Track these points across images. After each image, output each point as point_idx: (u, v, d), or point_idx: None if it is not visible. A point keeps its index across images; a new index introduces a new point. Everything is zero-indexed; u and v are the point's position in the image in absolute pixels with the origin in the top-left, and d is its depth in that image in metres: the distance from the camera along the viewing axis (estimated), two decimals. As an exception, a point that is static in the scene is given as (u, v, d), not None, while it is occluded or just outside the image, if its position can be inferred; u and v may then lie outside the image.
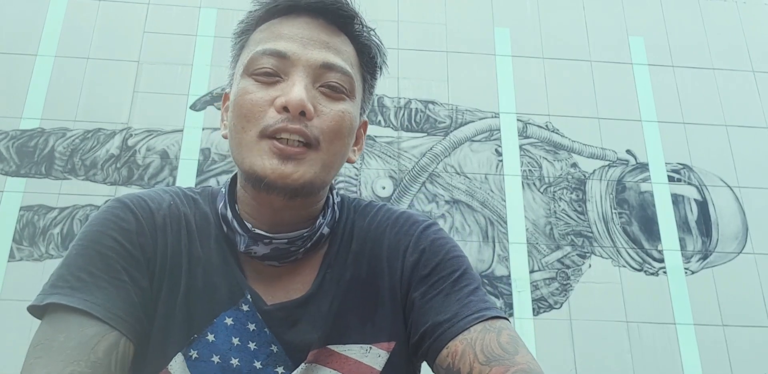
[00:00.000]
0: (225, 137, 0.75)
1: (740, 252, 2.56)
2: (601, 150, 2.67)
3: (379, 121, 2.61)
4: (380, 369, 0.72)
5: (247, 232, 0.72)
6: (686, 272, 2.51)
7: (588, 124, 2.70)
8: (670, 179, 2.66)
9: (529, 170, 2.61)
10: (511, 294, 2.41)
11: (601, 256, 2.51)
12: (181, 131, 2.50)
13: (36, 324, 0.67)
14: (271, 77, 0.70)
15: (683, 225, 2.59)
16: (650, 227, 2.57)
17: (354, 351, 0.72)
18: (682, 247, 2.55)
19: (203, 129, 2.51)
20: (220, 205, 0.76)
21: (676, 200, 2.63)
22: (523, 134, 2.67)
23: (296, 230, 0.73)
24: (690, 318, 2.43)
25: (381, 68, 0.80)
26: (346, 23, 0.74)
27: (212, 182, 2.44)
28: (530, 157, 2.63)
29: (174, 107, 2.53)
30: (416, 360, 0.75)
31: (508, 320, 0.70)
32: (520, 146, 2.65)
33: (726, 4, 3.00)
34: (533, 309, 2.39)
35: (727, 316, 2.44)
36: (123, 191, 2.38)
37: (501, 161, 2.61)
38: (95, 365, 0.61)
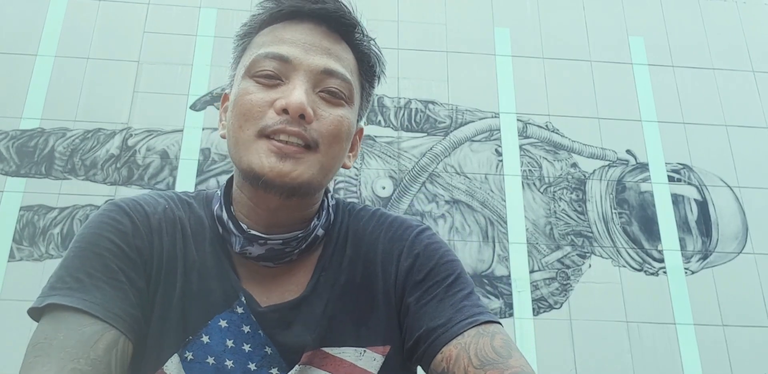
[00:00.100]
0: (223, 136, 0.76)
1: (740, 252, 2.56)
2: (601, 150, 2.67)
3: (379, 121, 2.61)
4: (376, 372, 0.73)
5: (243, 233, 0.73)
6: (686, 272, 2.51)
7: (588, 124, 2.70)
8: (670, 179, 2.66)
9: (529, 170, 2.61)
10: (511, 294, 2.41)
11: (601, 256, 2.51)
12: (181, 131, 2.50)
13: (36, 324, 0.67)
14: (272, 80, 0.71)
15: (683, 225, 2.59)
16: (650, 227, 2.57)
17: (348, 354, 0.73)
18: (682, 247, 2.55)
19: (203, 129, 2.51)
20: (216, 207, 0.76)
21: (676, 200, 2.63)
22: (523, 134, 2.67)
23: (291, 232, 0.74)
24: (690, 318, 2.43)
25: (379, 77, 0.82)
26: (347, 31, 0.76)
27: (212, 182, 2.44)
28: (530, 157, 2.63)
29: (174, 107, 2.53)
30: (411, 365, 0.76)
31: (501, 324, 0.71)
32: (520, 146, 2.65)
33: (726, 4, 3.00)
34: (533, 309, 2.39)
35: (727, 316, 2.45)
36: (123, 191, 2.38)
37: (501, 161, 2.62)
38: (95, 362, 0.62)
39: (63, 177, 2.40)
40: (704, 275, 2.51)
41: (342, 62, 0.74)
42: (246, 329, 0.72)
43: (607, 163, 2.66)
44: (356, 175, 2.51)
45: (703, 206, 2.63)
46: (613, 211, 2.58)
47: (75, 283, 0.66)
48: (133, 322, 0.68)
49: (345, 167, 0.79)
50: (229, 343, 0.71)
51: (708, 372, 2.35)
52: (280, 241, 0.73)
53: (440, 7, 2.84)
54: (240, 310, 0.72)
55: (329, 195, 0.81)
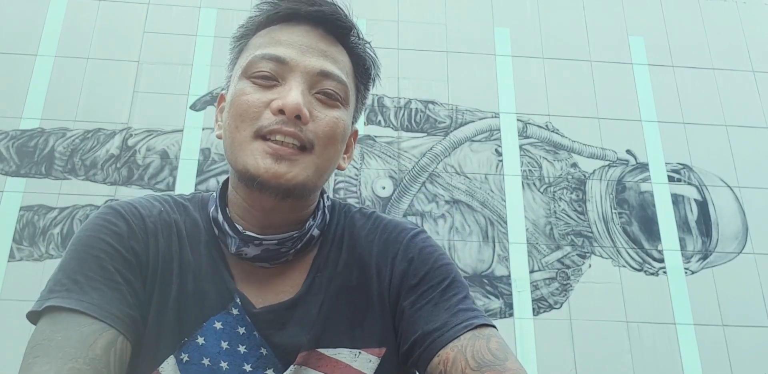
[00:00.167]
0: (219, 137, 0.77)
1: (740, 252, 2.56)
2: (601, 150, 2.67)
3: (379, 121, 2.61)
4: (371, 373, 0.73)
5: (238, 234, 0.73)
6: (686, 272, 2.51)
7: (588, 124, 2.70)
8: (670, 179, 2.66)
9: (529, 170, 2.61)
10: (511, 294, 2.41)
11: (601, 256, 2.51)
12: (181, 131, 2.50)
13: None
14: (269, 81, 0.71)
15: (683, 225, 2.59)
16: (650, 227, 2.57)
17: (344, 355, 0.73)
18: (682, 247, 2.55)
19: (203, 129, 2.51)
20: (212, 208, 0.77)
21: (676, 200, 2.63)
22: (523, 134, 2.67)
23: (286, 233, 0.74)
24: (690, 318, 2.43)
25: (375, 80, 0.83)
26: (343, 34, 0.76)
27: (212, 182, 2.44)
28: (530, 157, 2.63)
29: (174, 107, 2.53)
30: (407, 369, 0.76)
31: (496, 327, 0.72)
32: (520, 146, 2.65)
33: (726, 4, 3.00)
34: (533, 309, 2.39)
35: (727, 316, 2.45)
36: (123, 191, 2.38)
37: (501, 161, 2.62)
38: (93, 361, 0.62)
39: (63, 177, 2.40)
40: (704, 275, 2.51)
41: (338, 64, 0.75)
42: (241, 330, 0.72)
43: (607, 163, 2.66)
44: (356, 175, 2.51)
45: (703, 206, 2.63)
46: (613, 211, 2.58)
47: (72, 285, 0.67)
48: (131, 322, 0.68)
49: (340, 168, 0.79)
50: (224, 345, 0.71)
51: (708, 372, 2.35)
52: (275, 241, 0.73)
53: (440, 7, 2.83)
54: (235, 312, 0.72)
55: (325, 196, 0.81)
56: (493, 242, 2.48)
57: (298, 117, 0.69)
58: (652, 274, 2.49)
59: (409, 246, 0.78)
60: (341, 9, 0.76)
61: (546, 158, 2.64)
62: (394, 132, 2.61)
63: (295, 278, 0.76)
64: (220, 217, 0.75)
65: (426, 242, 0.79)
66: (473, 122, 2.66)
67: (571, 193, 2.60)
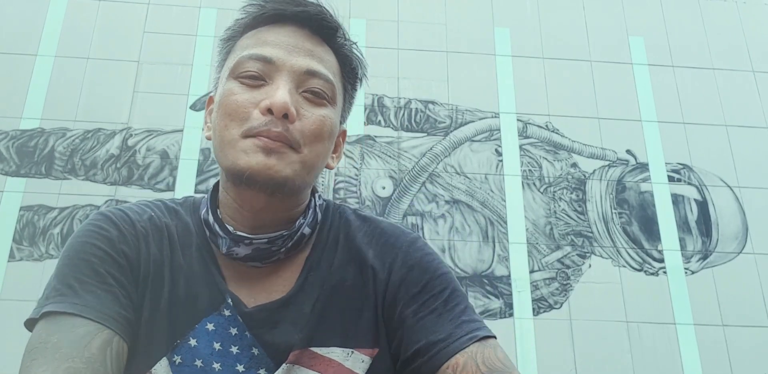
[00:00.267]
0: (208, 138, 0.78)
1: (740, 252, 2.56)
2: (601, 150, 2.67)
3: (379, 121, 2.61)
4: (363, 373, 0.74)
5: (228, 234, 0.74)
6: (686, 272, 2.51)
7: (588, 124, 2.70)
8: (670, 179, 2.66)
9: (529, 170, 2.61)
10: (511, 294, 2.41)
11: (601, 256, 2.51)
12: (181, 131, 2.50)
13: (36, 323, 0.67)
14: (256, 81, 0.72)
15: (683, 225, 2.59)
16: (650, 227, 2.57)
17: (336, 354, 0.74)
18: (682, 247, 2.55)
19: (203, 129, 2.51)
20: (203, 211, 0.78)
21: (676, 200, 2.63)
22: (523, 134, 2.67)
23: (277, 232, 0.75)
24: (690, 318, 2.43)
25: (361, 80, 0.84)
26: (329, 34, 0.77)
27: (212, 182, 2.44)
28: (530, 157, 2.63)
29: (174, 107, 2.53)
30: (400, 372, 0.77)
31: (496, 338, 0.74)
32: (520, 146, 2.65)
33: (726, 4, 3.00)
34: (533, 309, 2.39)
35: (727, 316, 2.45)
36: (123, 191, 2.39)
37: (501, 161, 2.62)
38: (90, 360, 0.63)
39: (63, 177, 2.40)
40: (704, 275, 2.51)
41: (324, 64, 0.75)
42: (233, 331, 0.73)
43: (607, 163, 2.66)
44: (356, 175, 2.51)
45: (703, 206, 2.63)
46: (613, 211, 2.58)
47: (66, 290, 0.68)
48: (126, 323, 0.69)
49: (329, 167, 0.80)
50: (217, 346, 0.72)
51: (708, 372, 2.35)
52: (265, 240, 0.74)
53: (440, 7, 2.83)
54: (227, 313, 0.73)
55: (317, 195, 0.82)
56: (493, 242, 2.48)
57: (286, 116, 0.70)
58: (652, 274, 2.49)
59: (409, 253, 0.79)
60: (327, 9, 0.77)
61: (546, 158, 2.64)
62: (394, 132, 2.61)
63: (288, 277, 0.77)
64: (211, 218, 0.75)
65: (425, 250, 0.80)
66: (473, 122, 2.66)
67: (571, 193, 2.60)
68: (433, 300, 0.75)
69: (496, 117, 2.68)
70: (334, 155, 0.81)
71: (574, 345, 2.35)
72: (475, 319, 0.75)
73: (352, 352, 0.74)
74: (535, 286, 2.43)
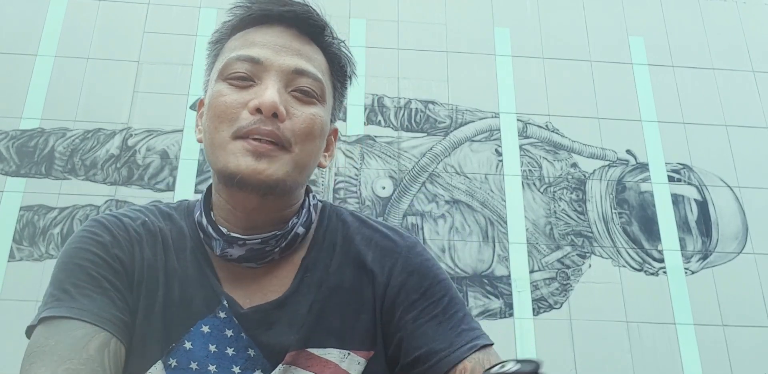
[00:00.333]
0: (200, 140, 0.78)
1: (740, 252, 2.56)
2: (601, 150, 2.67)
3: (379, 121, 2.61)
4: None
5: (222, 236, 0.74)
6: (686, 272, 2.51)
7: (588, 124, 2.70)
8: (670, 179, 2.66)
9: (529, 170, 2.61)
10: (511, 294, 2.41)
11: (601, 256, 2.51)
12: (181, 131, 2.50)
13: (36, 324, 0.68)
14: (245, 81, 0.72)
15: (683, 225, 2.59)
16: (650, 227, 2.57)
17: (333, 355, 0.74)
18: (682, 247, 2.55)
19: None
20: (197, 213, 0.78)
21: (676, 200, 2.63)
22: (523, 134, 2.67)
23: (270, 232, 0.75)
24: (690, 318, 2.43)
25: (351, 78, 0.84)
26: (316, 33, 0.78)
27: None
28: (530, 157, 2.63)
29: (174, 107, 2.53)
30: None
31: (493, 344, 0.75)
32: (520, 146, 2.65)
33: (726, 4, 3.00)
34: (533, 309, 2.39)
35: (727, 316, 2.44)
36: (123, 191, 2.38)
37: (501, 161, 2.61)
38: (88, 361, 0.63)
39: (63, 177, 2.40)
40: (704, 275, 2.51)
41: (313, 62, 0.76)
42: (229, 333, 0.73)
43: (607, 163, 2.66)
44: (356, 175, 2.51)
45: (703, 206, 2.63)
46: (613, 211, 2.58)
47: (62, 295, 0.68)
48: (122, 326, 0.69)
49: (321, 166, 0.80)
50: (212, 348, 0.72)
51: (708, 372, 2.35)
52: (259, 240, 0.74)
53: (440, 7, 2.83)
54: (222, 315, 0.73)
55: (311, 195, 0.82)
56: (493, 242, 2.48)
57: (275, 115, 0.70)
58: (652, 274, 2.49)
59: (409, 258, 0.79)
60: (313, 8, 0.77)
61: (546, 158, 2.64)
62: (394, 132, 2.61)
63: (283, 277, 0.77)
64: (204, 220, 0.76)
65: (424, 255, 0.81)
66: (473, 122, 2.66)
67: (571, 193, 2.60)
68: (433, 306, 0.76)
69: (496, 117, 2.68)
70: (326, 154, 0.82)
71: (574, 345, 2.35)
72: (474, 327, 0.75)
73: (349, 354, 0.74)
74: (535, 286, 2.43)
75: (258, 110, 0.70)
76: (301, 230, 0.77)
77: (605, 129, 2.70)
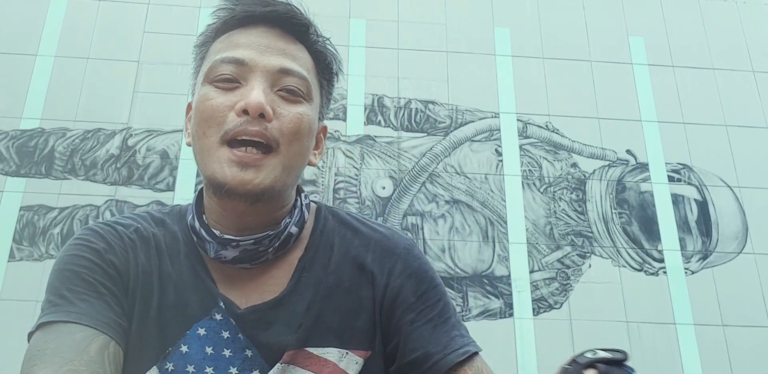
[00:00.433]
0: (189, 144, 0.78)
1: (740, 252, 2.56)
2: (601, 150, 2.67)
3: (379, 121, 2.61)
4: None
5: (215, 238, 0.74)
6: (686, 272, 2.51)
7: (588, 124, 2.70)
8: (670, 179, 2.66)
9: (529, 170, 2.61)
10: (511, 294, 2.41)
11: (601, 256, 2.51)
12: (181, 131, 2.50)
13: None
14: (231, 83, 0.72)
15: (683, 225, 2.59)
16: (650, 227, 2.57)
17: (332, 354, 0.74)
18: (682, 247, 2.55)
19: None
20: (189, 217, 0.78)
21: (676, 200, 2.63)
22: (523, 134, 2.67)
23: (263, 233, 0.75)
24: (690, 318, 2.43)
25: (337, 75, 0.84)
26: (301, 32, 0.78)
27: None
28: (530, 157, 2.63)
29: (174, 107, 2.53)
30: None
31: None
32: (520, 146, 2.65)
33: (726, 4, 3.00)
34: (533, 309, 2.39)
35: (727, 316, 2.44)
36: (123, 191, 2.38)
37: (501, 161, 2.61)
38: (89, 362, 0.63)
39: (63, 177, 2.40)
40: (704, 275, 2.51)
41: (298, 61, 0.76)
42: (225, 334, 0.73)
43: (607, 163, 2.66)
44: (356, 175, 2.51)
45: (703, 206, 2.63)
46: (613, 211, 2.58)
47: (60, 300, 0.69)
48: (120, 329, 0.69)
49: (311, 164, 0.81)
50: (209, 350, 0.72)
51: (708, 372, 2.35)
52: (252, 241, 0.74)
53: (440, 7, 2.83)
54: (218, 317, 0.73)
55: (302, 195, 0.82)
56: (493, 242, 2.48)
57: (262, 116, 0.70)
58: (652, 274, 2.49)
59: (407, 260, 0.80)
60: (296, 8, 0.77)
61: (546, 158, 2.64)
62: (394, 132, 2.61)
63: (280, 277, 0.77)
64: (197, 224, 0.76)
65: (422, 259, 0.82)
66: (473, 122, 2.66)
67: (571, 193, 2.60)
68: (429, 310, 0.77)
69: (496, 117, 2.68)
70: (315, 152, 0.82)
71: (574, 345, 2.35)
72: (464, 334, 0.78)
73: (347, 353, 0.75)
74: (535, 286, 2.43)
75: (245, 112, 0.70)
76: (294, 229, 0.77)
77: (605, 129, 2.70)
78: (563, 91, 2.75)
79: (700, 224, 2.60)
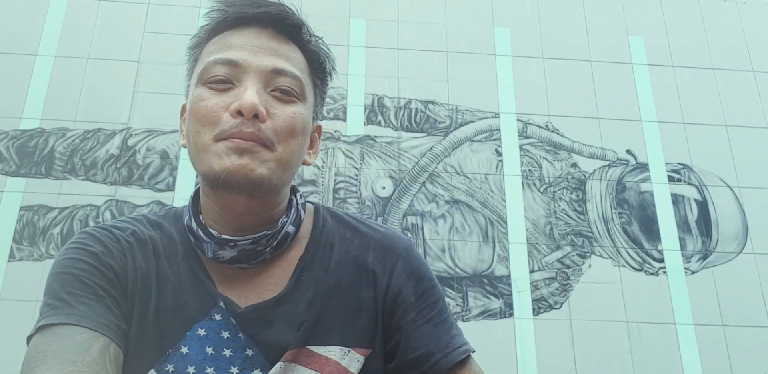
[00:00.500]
0: (184, 146, 0.78)
1: (740, 252, 2.56)
2: (601, 150, 2.67)
3: (379, 121, 2.61)
4: (356, 373, 0.75)
5: (213, 238, 0.74)
6: (686, 272, 2.51)
7: (588, 124, 2.70)
8: (670, 179, 2.66)
9: (529, 170, 2.61)
10: (511, 294, 2.41)
11: (601, 256, 2.51)
12: (181, 131, 2.50)
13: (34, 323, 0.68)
14: (225, 84, 0.73)
15: (683, 225, 2.59)
16: (650, 227, 2.57)
17: (334, 353, 0.74)
18: (682, 247, 2.55)
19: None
20: (186, 218, 0.78)
21: (676, 200, 2.63)
22: (523, 134, 2.67)
23: (260, 233, 0.76)
24: (690, 318, 2.43)
25: (330, 74, 0.84)
26: (293, 32, 0.78)
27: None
28: (530, 157, 2.63)
29: (174, 107, 2.53)
30: (390, 372, 0.79)
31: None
32: (520, 146, 2.65)
33: (726, 4, 3.00)
34: (533, 309, 2.39)
35: (727, 316, 2.44)
36: (123, 191, 2.38)
37: (501, 161, 2.61)
38: (92, 364, 0.63)
39: (63, 177, 2.40)
40: (704, 275, 2.51)
41: (291, 61, 0.76)
42: (225, 334, 0.73)
43: (607, 163, 2.66)
44: (356, 175, 2.51)
45: (703, 206, 2.63)
46: (613, 211, 2.58)
47: (59, 303, 0.68)
48: (120, 332, 0.69)
49: (306, 163, 0.81)
50: (209, 350, 0.72)
51: (708, 372, 2.35)
52: (250, 241, 0.74)
53: (440, 7, 2.83)
54: (218, 317, 0.73)
55: (297, 194, 0.82)
56: (493, 242, 2.48)
57: (256, 116, 0.70)
58: (652, 274, 2.49)
59: (407, 260, 0.82)
60: (288, 8, 0.78)
61: (546, 158, 2.64)
62: (394, 132, 2.61)
63: (279, 276, 0.78)
64: (194, 224, 0.76)
65: (420, 259, 0.84)
66: (473, 122, 2.66)
67: (571, 193, 2.60)
68: (428, 310, 0.79)
69: (496, 117, 2.68)
70: (310, 151, 0.83)
71: (574, 345, 2.35)
72: (461, 334, 0.80)
73: (349, 351, 0.75)
74: (535, 286, 2.43)
75: (239, 113, 0.70)
76: (291, 228, 0.78)
77: (605, 129, 2.70)
78: (563, 91, 2.75)
79: (700, 224, 2.60)
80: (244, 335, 0.73)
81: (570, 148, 2.67)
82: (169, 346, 0.72)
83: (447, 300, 2.36)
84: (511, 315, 2.37)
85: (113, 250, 0.74)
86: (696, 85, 2.83)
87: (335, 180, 2.49)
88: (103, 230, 0.77)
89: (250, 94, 0.71)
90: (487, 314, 2.37)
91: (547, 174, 2.61)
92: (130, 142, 2.47)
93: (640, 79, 2.81)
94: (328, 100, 2.62)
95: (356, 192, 2.48)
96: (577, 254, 2.50)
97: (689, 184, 2.66)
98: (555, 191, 2.59)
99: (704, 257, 2.54)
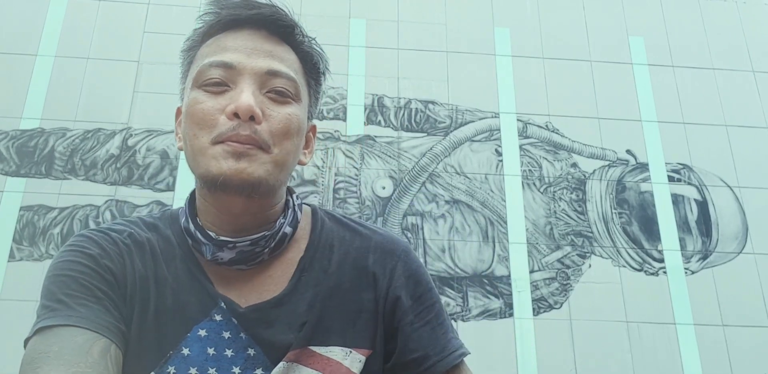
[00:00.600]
0: (180, 148, 0.79)
1: (740, 252, 2.56)
2: (601, 150, 2.67)
3: (379, 121, 2.61)
4: (358, 373, 0.76)
5: (211, 240, 0.75)
6: (686, 272, 2.51)
7: (588, 124, 2.70)
8: (670, 179, 2.66)
9: (529, 170, 2.61)
10: (511, 294, 2.41)
11: (601, 256, 2.51)
12: (181, 131, 2.50)
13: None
14: (220, 87, 0.73)
15: (683, 225, 2.59)
16: (650, 227, 2.57)
17: (335, 353, 0.75)
18: (682, 247, 2.55)
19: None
20: (183, 220, 0.78)
21: (676, 200, 2.63)
22: (523, 134, 2.67)
23: (258, 234, 0.76)
24: (690, 318, 2.43)
25: (324, 74, 0.85)
26: (287, 33, 0.78)
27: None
28: (530, 157, 2.63)
29: (174, 107, 2.51)
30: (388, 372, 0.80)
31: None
32: (520, 146, 2.65)
33: (726, 4, 3.00)
34: (533, 309, 2.39)
35: (727, 316, 2.44)
36: (123, 191, 2.38)
37: (501, 161, 2.61)
38: (94, 365, 0.63)
39: (63, 177, 2.40)
40: (704, 275, 2.51)
41: (285, 62, 0.76)
42: (226, 335, 0.73)
43: (607, 163, 2.66)
44: (356, 175, 2.51)
45: (703, 206, 2.63)
46: (613, 211, 2.58)
47: (57, 305, 0.68)
48: (119, 333, 0.69)
49: (301, 163, 0.82)
50: (211, 351, 0.72)
51: (708, 372, 2.35)
52: (248, 242, 0.75)
53: (440, 7, 2.83)
54: (218, 317, 0.74)
55: (294, 196, 0.83)
56: (493, 242, 2.48)
57: (252, 118, 0.71)
58: (652, 274, 2.49)
59: (407, 262, 0.83)
60: (281, 9, 0.78)
61: (546, 158, 2.64)
62: (394, 132, 2.61)
63: (278, 277, 0.78)
64: (192, 226, 0.76)
65: (418, 261, 0.85)
66: (473, 122, 2.66)
67: (571, 193, 2.60)
68: (427, 312, 0.80)
69: (496, 117, 2.68)
70: (305, 151, 0.83)
71: (574, 345, 2.35)
72: (456, 336, 0.82)
73: (351, 351, 0.76)
74: (535, 286, 2.43)
75: (235, 115, 0.70)
76: (288, 229, 0.78)
77: (605, 129, 2.70)
78: (563, 91, 2.75)
79: (700, 224, 2.60)
80: (246, 335, 0.73)
81: (570, 148, 2.67)
82: (170, 348, 0.72)
83: (447, 300, 2.36)
84: (511, 315, 2.37)
85: (111, 252, 0.74)
86: (696, 85, 2.83)
87: (335, 180, 2.49)
88: (100, 233, 0.77)
89: (246, 96, 0.71)
90: (487, 314, 2.37)
91: (547, 174, 2.61)
92: (130, 142, 2.47)
93: (640, 79, 2.81)
94: (328, 100, 2.62)
95: (356, 192, 2.48)
96: (577, 254, 2.50)
97: (689, 184, 2.66)
98: (555, 191, 2.59)
99: (704, 257, 2.54)
